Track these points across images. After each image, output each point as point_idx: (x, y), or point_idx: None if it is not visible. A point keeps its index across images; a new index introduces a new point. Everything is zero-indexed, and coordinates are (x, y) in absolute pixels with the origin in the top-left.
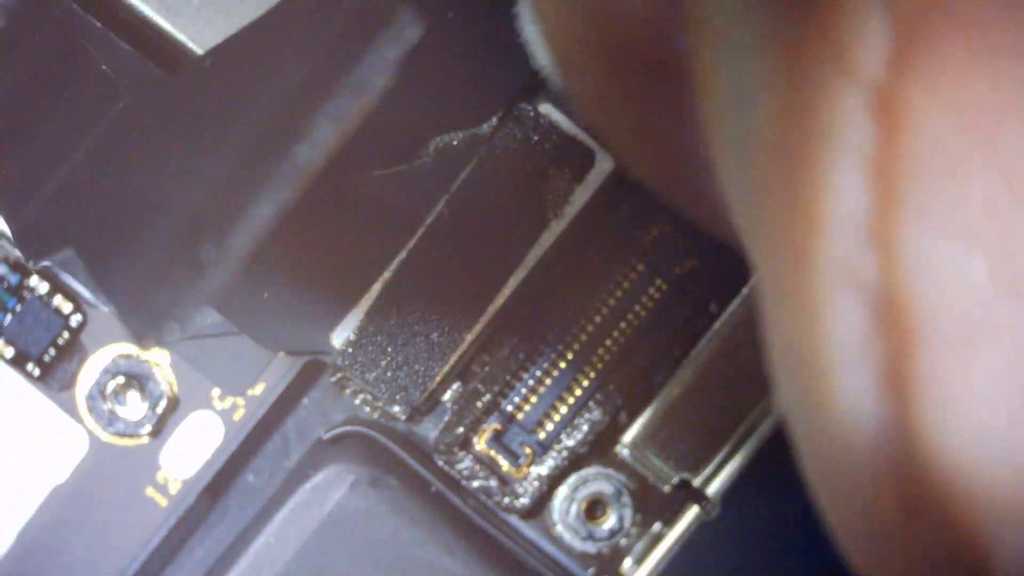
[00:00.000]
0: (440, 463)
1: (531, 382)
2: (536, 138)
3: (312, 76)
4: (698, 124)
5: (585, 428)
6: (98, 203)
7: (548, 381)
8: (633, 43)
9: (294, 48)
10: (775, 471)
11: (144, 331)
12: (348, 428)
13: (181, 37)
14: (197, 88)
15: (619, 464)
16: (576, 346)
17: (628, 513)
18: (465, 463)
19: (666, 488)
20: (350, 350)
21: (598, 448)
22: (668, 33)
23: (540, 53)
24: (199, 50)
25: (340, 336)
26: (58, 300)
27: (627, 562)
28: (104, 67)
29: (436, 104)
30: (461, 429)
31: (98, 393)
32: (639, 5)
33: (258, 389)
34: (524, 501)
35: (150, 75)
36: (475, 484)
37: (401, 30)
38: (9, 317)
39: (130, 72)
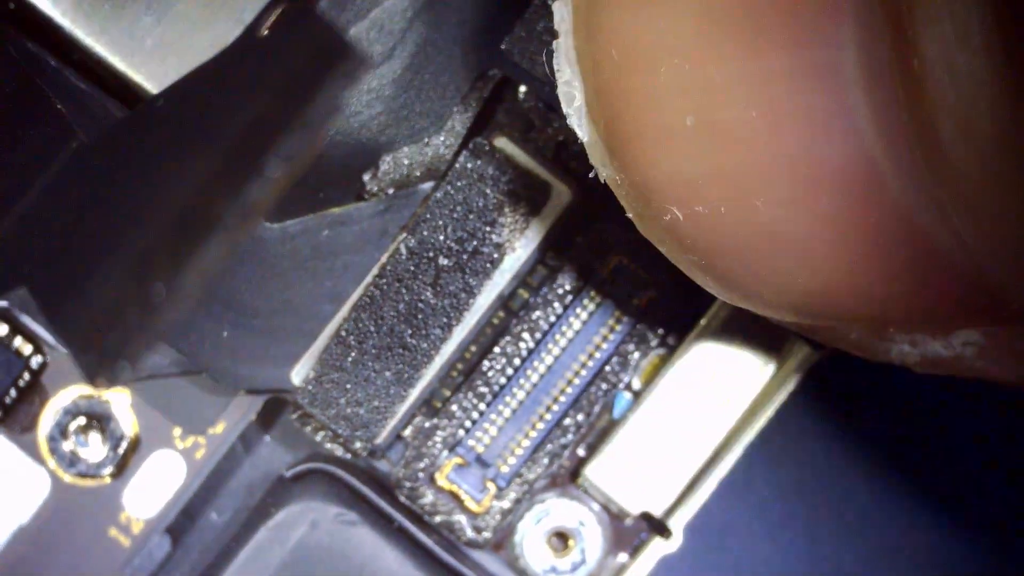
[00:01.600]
0: (403, 499)
1: (492, 416)
2: (492, 172)
3: (264, 116)
4: None
5: (546, 461)
6: (51, 242)
7: (508, 414)
8: None
9: (247, 88)
10: (738, 502)
11: (96, 370)
12: (310, 465)
13: (137, 77)
14: (150, 128)
15: (581, 497)
16: (536, 379)
17: (591, 545)
18: (428, 498)
19: (628, 521)
20: (310, 387)
21: (560, 481)
22: None
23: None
24: (155, 89)
25: (299, 374)
26: (18, 342)
27: None
28: (59, 106)
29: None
30: (423, 464)
31: (59, 434)
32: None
33: (219, 428)
34: (487, 535)
35: (105, 114)
36: (438, 519)
37: (352, 70)
38: None
39: (85, 111)
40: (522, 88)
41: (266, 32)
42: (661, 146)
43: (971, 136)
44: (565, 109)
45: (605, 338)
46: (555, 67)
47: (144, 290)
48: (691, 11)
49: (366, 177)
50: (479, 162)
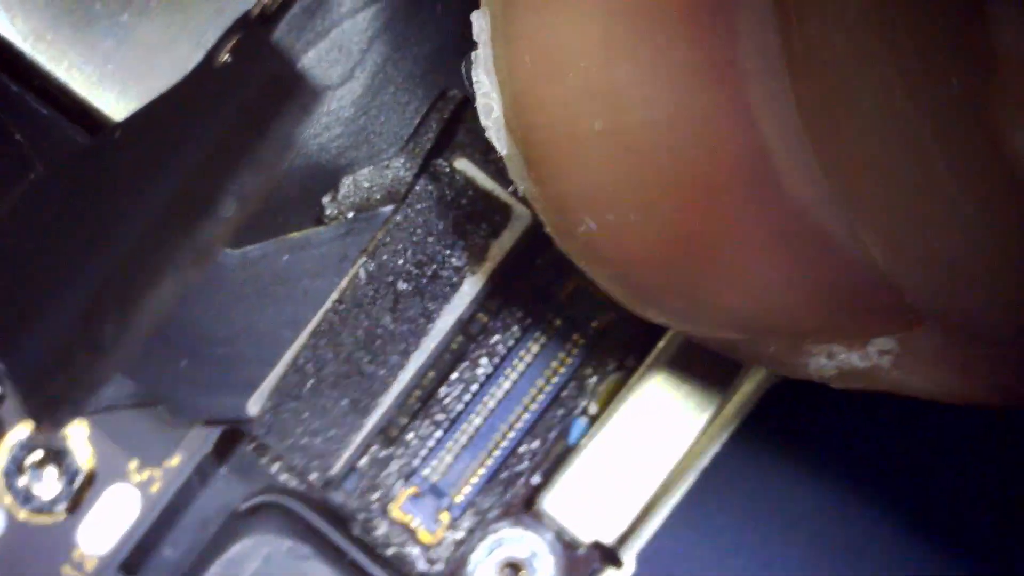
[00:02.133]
0: (356, 531)
1: (448, 444)
2: (452, 194)
3: (218, 151)
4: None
5: (500, 490)
6: (3, 277)
7: (464, 442)
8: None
9: (201, 123)
10: (690, 530)
11: (41, 413)
12: (264, 498)
13: (97, 103)
14: (105, 163)
15: (534, 526)
16: (493, 405)
17: (544, 575)
18: (382, 529)
19: (581, 550)
20: (267, 417)
21: (513, 510)
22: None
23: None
24: (115, 115)
25: (256, 403)
26: None
27: None
28: (18, 137)
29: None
30: (377, 495)
31: (15, 469)
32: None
33: (175, 460)
34: (440, 567)
35: (66, 141)
36: (390, 552)
37: (305, 102)
38: None
39: (45, 138)
40: None
41: (224, 60)
42: (572, 153)
43: (854, 119)
44: (484, 121)
45: (563, 362)
46: (474, 79)
47: (93, 333)
48: (597, 13)
49: (325, 200)
50: (439, 184)
